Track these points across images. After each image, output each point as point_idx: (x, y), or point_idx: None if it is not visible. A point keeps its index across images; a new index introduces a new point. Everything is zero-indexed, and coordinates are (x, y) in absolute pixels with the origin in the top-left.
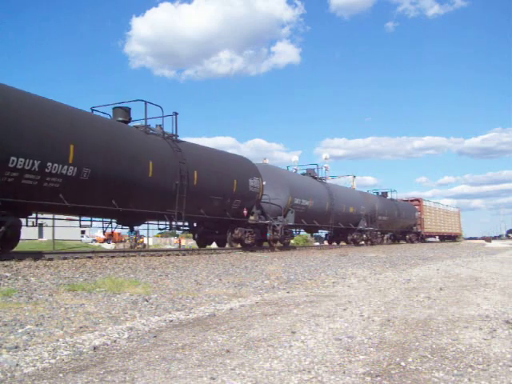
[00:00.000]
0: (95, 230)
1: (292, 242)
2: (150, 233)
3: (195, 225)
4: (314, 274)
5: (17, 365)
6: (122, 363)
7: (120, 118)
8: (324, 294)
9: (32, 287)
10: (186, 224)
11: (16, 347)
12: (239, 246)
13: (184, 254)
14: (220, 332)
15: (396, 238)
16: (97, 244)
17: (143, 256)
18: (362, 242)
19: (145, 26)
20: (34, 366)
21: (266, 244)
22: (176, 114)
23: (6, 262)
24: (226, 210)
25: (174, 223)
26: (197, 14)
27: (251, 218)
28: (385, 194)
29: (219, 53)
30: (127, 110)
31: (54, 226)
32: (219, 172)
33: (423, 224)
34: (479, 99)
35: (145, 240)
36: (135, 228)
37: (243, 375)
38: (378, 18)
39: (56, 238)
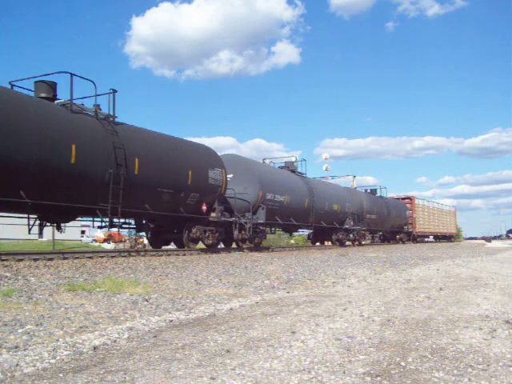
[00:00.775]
0: (95, 230)
1: (292, 241)
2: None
3: (144, 222)
4: (314, 274)
5: (17, 365)
6: (122, 363)
7: (42, 95)
8: (324, 293)
9: (32, 287)
10: (129, 221)
11: (16, 347)
12: (198, 246)
13: (184, 254)
14: (220, 332)
15: (386, 238)
16: (97, 244)
17: (143, 256)
18: (349, 243)
19: (145, 26)
20: (34, 366)
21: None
22: (114, 91)
23: (5, 262)
24: (179, 206)
25: (107, 219)
26: (197, 14)
27: (212, 214)
28: (374, 192)
29: (219, 53)
30: (51, 85)
31: (54, 226)
32: (169, 161)
33: (415, 223)
34: (479, 99)
35: (145, 240)
36: (63, 225)
37: (243, 375)
38: (378, 18)
39: (56, 238)
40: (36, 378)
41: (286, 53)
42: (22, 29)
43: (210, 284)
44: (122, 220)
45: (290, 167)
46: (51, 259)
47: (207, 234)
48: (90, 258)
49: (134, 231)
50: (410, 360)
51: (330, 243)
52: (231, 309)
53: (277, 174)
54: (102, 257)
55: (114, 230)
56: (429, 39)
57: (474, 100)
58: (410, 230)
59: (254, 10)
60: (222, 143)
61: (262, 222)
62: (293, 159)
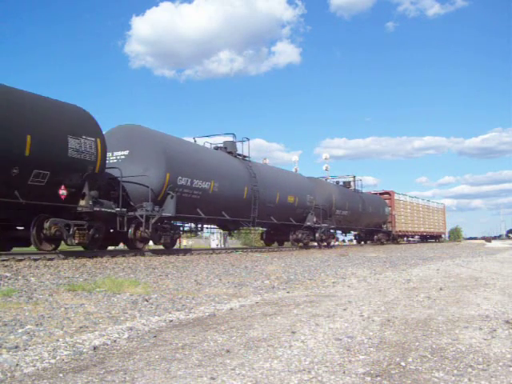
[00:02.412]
0: None
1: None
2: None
3: None
4: (313, 274)
5: (17, 365)
6: (122, 363)
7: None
8: (324, 293)
9: (32, 287)
10: None
11: (16, 347)
12: (50, 248)
13: (184, 254)
14: (220, 332)
15: (361, 238)
16: None
17: (143, 256)
18: (314, 244)
19: (145, 26)
20: (34, 366)
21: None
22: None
23: (6, 262)
24: (13, 188)
25: None
26: (197, 14)
27: (81, 202)
28: (347, 184)
29: (219, 53)
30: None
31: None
32: None
33: (394, 221)
34: (479, 99)
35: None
36: None
37: (243, 375)
38: (378, 18)
39: None
40: (36, 378)
41: (287, 53)
42: (22, 29)
43: (210, 284)
44: None
45: (228, 148)
46: (51, 259)
47: (72, 231)
48: (90, 258)
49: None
50: (410, 360)
51: (290, 244)
52: (231, 309)
53: (198, 153)
54: (101, 257)
55: None
56: (429, 39)
57: (474, 100)
58: (390, 230)
59: (254, 9)
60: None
61: (169, 214)
62: (231, 138)
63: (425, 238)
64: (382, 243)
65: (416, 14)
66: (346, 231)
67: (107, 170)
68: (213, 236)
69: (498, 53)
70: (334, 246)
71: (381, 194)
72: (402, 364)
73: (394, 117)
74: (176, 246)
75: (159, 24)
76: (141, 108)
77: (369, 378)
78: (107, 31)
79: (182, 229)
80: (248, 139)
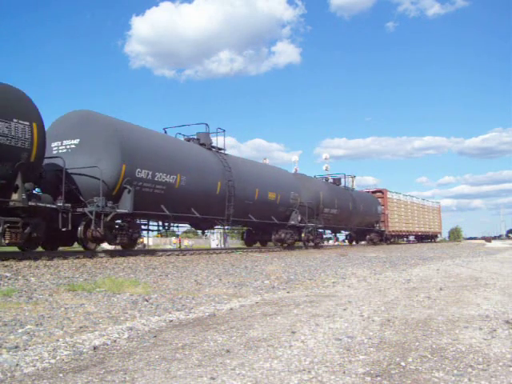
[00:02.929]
0: None
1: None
2: (150, 233)
3: None
4: (313, 274)
5: (17, 365)
6: (121, 363)
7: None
8: (324, 293)
9: (32, 287)
10: None
11: (16, 347)
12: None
13: (184, 254)
14: (220, 332)
15: (353, 238)
16: None
17: (143, 256)
18: (300, 244)
19: (145, 26)
20: (34, 366)
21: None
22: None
23: (5, 262)
24: None
25: None
26: (197, 14)
27: (13, 196)
28: (337, 181)
29: (219, 53)
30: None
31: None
32: None
33: (387, 221)
34: (479, 99)
35: (144, 240)
36: None
37: (243, 375)
38: (379, 18)
39: None
40: (36, 378)
41: (287, 53)
42: (22, 28)
43: (210, 284)
44: None
45: (200, 139)
46: (51, 259)
47: (1, 229)
48: (90, 258)
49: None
50: (409, 360)
51: (274, 245)
52: (231, 309)
53: (161, 143)
54: (101, 257)
55: None
56: (429, 39)
57: (474, 100)
58: (382, 229)
59: (254, 9)
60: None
61: (125, 211)
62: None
63: (420, 238)
64: (375, 243)
65: (416, 14)
66: (335, 231)
67: (52, 161)
68: (213, 236)
69: (498, 53)
70: (322, 246)
71: (373, 192)
72: (402, 364)
73: (394, 117)
74: (176, 246)
75: (159, 24)
76: (141, 108)
77: (369, 378)
78: (107, 31)
79: (147, 227)
80: (223, 130)
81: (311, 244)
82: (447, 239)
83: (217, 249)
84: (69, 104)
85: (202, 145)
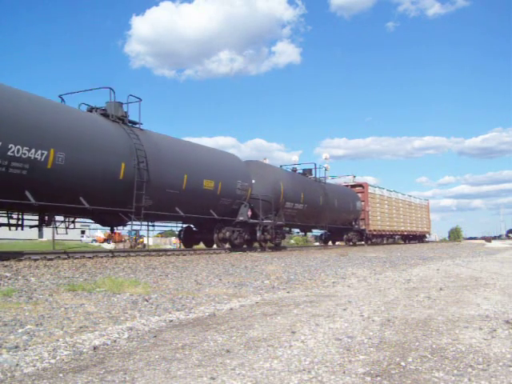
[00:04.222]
0: (95, 230)
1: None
2: (150, 233)
3: None
4: (313, 274)
5: (17, 365)
6: (122, 363)
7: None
8: (324, 293)
9: (32, 287)
10: None
11: (16, 347)
12: None
13: (184, 254)
14: (220, 332)
15: (328, 238)
16: (97, 244)
17: (143, 256)
18: (256, 245)
19: (145, 26)
20: (34, 366)
21: None
22: None
23: (5, 262)
24: None
25: None
26: (197, 14)
27: None
28: (307, 172)
29: (219, 53)
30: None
31: (54, 227)
32: None
33: (368, 219)
34: (480, 99)
35: (145, 240)
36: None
37: (243, 375)
38: (379, 17)
39: (56, 238)
40: (36, 378)
41: (287, 53)
42: (22, 28)
43: (210, 284)
44: None
45: (107, 110)
46: (51, 259)
47: None
48: (89, 257)
49: (134, 231)
50: (409, 360)
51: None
52: (231, 309)
53: (23, 107)
54: (101, 257)
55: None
56: (429, 39)
57: (474, 100)
58: (362, 228)
59: (254, 9)
60: (222, 143)
61: None
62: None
63: (407, 239)
64: (354, 244)
65: (416, 14)
66: (305, 230)
67: None
68: None
69: (498, 53)
70: (285, 248)
71: (352, 186)
72: (402, 364)
73: (394, 117)
74: (176, 247)
75: (159, 24)
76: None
77: (369, 378)
78: (107, 31)
79: None
80: (140, 99)
81: (269, 245)
82: (447, 239)
83: (217, 249)
84: (69, 104)
85: (105, 116)
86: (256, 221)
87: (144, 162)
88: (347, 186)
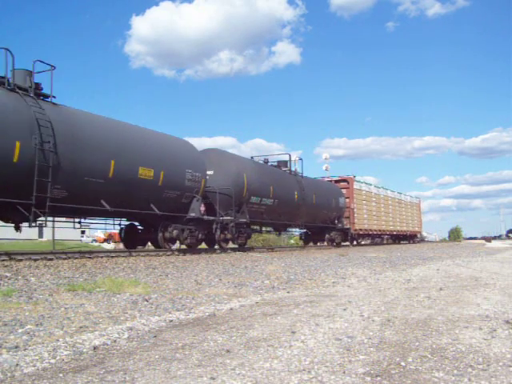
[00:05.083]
0: (95, 230)
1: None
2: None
3: None
4: (313, 274)
5: (17, 365)
6: (122, 363)
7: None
8: (324, 293)
9: (32, 287)
10: None
11: (16, 347)
12: None
13: (184, 254)
14: (220, 332)
15: (309, 238)
16: (97, 244)
17: (143, 256)
18: (216, 247)
19: (145, 26)
20: (34, 366)
21: None
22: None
23: (5, 262)
24: None
25: None
26: (197, 14)
27: None
28: (281, 164)
29: (219, 53)
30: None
31: (53, 227)
32: None
33: (353, 217)
34: (480, 99)
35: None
36: None
37: (243, 375)
38: (379, 17)
39: (56, 237)
40: (36, 378)
41: (287, 53)
42: (22, 28)
43: (210, 284)
44: None
45: (9, 78)
46: (51, 259)
47: None
48: (89, 257)
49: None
50: (409, 360)
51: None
52: (231, 309)
53: None
54: (101, 257)
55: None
56: (429, 39)
57: (475, 100)
58: (347, 227)
59: (254, 9)
60: (222, 143)
61: None
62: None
63: (396, 238)
64: (338, 244)
65: (416, 14)
66: (278, 228)
67: None
68: None
69: (498, 53)
70: (252, 249)
71: (336, 181)
72: (402, 364)
73: (394, 117)
74: (176, 246)
75: (159, 24)
76: (141, 108)
77: (369, 378)
78: (107, 31)
79: None
80: (53, 67)
81: (230, 246)
82: (447, 239)
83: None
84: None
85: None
86: (212, 218)
87: (50, 141)
88: (330, 180)
